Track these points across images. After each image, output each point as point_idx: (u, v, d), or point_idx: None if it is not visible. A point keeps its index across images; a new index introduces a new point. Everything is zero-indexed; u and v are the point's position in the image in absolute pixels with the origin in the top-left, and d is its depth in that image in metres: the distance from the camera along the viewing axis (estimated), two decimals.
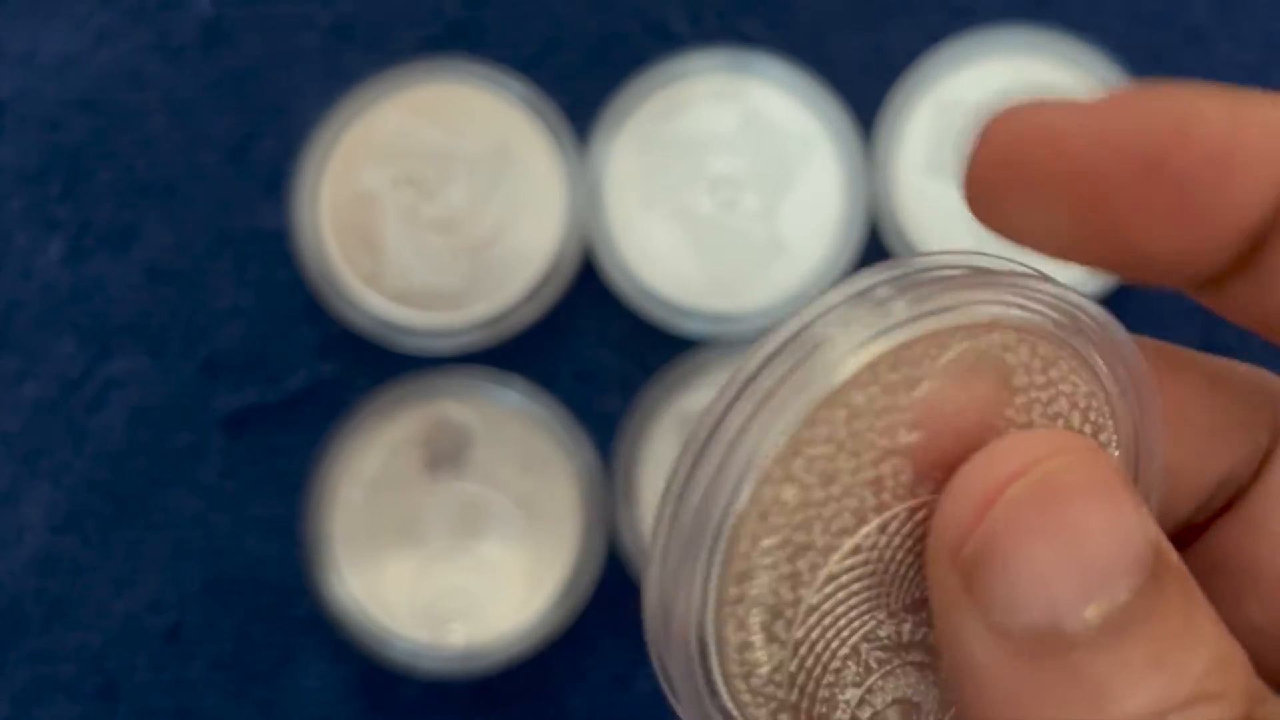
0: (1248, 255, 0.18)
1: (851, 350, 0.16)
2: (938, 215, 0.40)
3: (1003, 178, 0.18)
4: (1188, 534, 0.21)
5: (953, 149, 0.41)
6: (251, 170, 0.41)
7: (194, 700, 0.40)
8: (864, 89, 0.41)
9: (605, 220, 0.40)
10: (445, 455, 0.40)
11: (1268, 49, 0.42)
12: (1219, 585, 0.20)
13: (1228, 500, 0.20)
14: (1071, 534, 0.15)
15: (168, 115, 0.42)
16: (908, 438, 0.16)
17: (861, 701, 0.17)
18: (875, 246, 0.41)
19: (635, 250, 0.40)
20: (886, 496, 0.16)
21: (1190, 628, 0.16)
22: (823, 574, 0.16)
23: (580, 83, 0.41)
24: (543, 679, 0.40)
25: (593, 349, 0.41)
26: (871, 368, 0.16)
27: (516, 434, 0.40)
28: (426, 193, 0.41)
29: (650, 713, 0.40)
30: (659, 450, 0.40)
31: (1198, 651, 0.15)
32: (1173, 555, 0.16)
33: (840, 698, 0.17)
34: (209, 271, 0.41)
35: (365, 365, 0.41)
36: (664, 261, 0.40)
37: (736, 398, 0.17)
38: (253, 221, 0.41)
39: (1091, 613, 0.15)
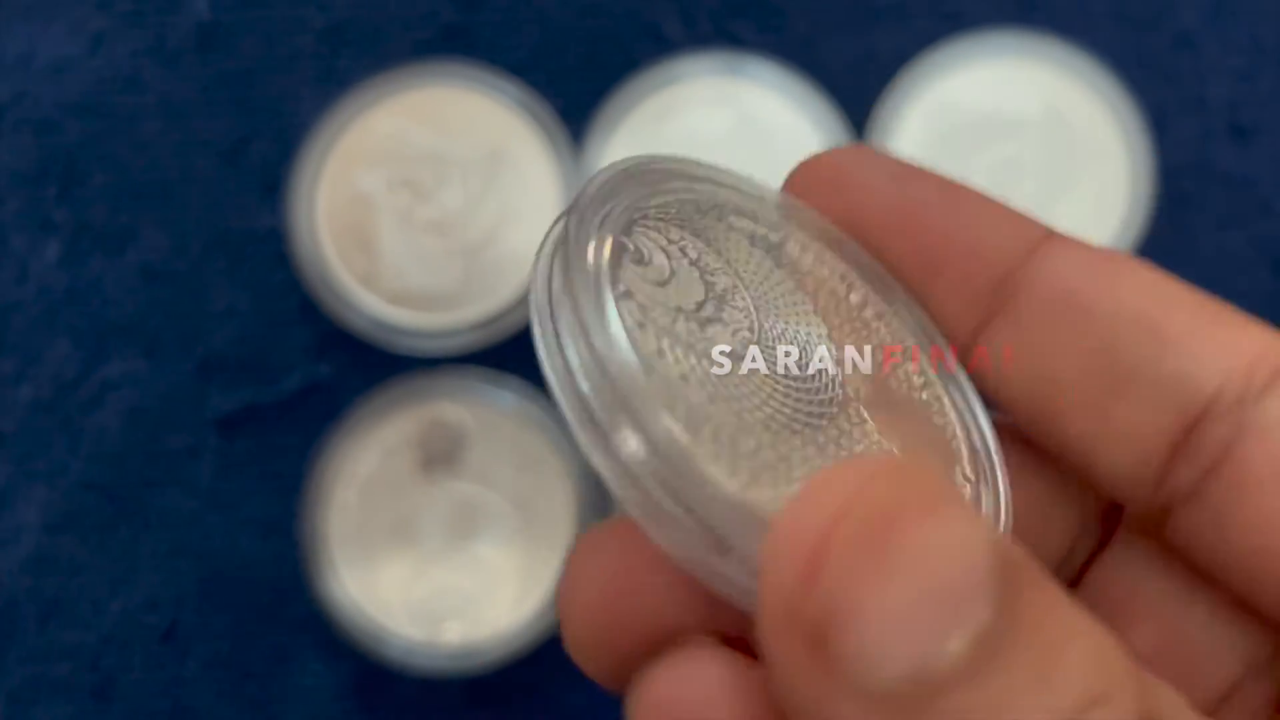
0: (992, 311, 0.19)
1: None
2: None
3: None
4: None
5: (944, 152, 0.41)
6: (247, 172, 0.42)
7: (190, 699, 0.40)
8: (856, 92, 0.42)
9: None
10: (440, 455, 0.40)
11: (1256, 53, 0.42)
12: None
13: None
14: (913, 565, 0.14)
15: (164, 118, 0.42)
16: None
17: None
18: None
19: None
20: None
21: (1061, 627, 0.14)
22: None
23: (574, 86, 0.42)
24: (537, 677, 0.40)
25: None
26: None
27: (511, 434, 0.40)
28: (422, 195, 0.41)
29: None
30: None
31: (1075, 652, 0.14)
32: (1016, 552, 0.14)
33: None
34: (205, 273, 0.41)
35: (361, 366, 0.41)
36: None
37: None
38: (248, 223, 0.42)
39: (955, 644, 0.13)
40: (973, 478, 0.18)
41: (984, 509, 0.18)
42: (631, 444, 0.16)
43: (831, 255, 0.20)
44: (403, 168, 0.41)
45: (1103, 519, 0.21)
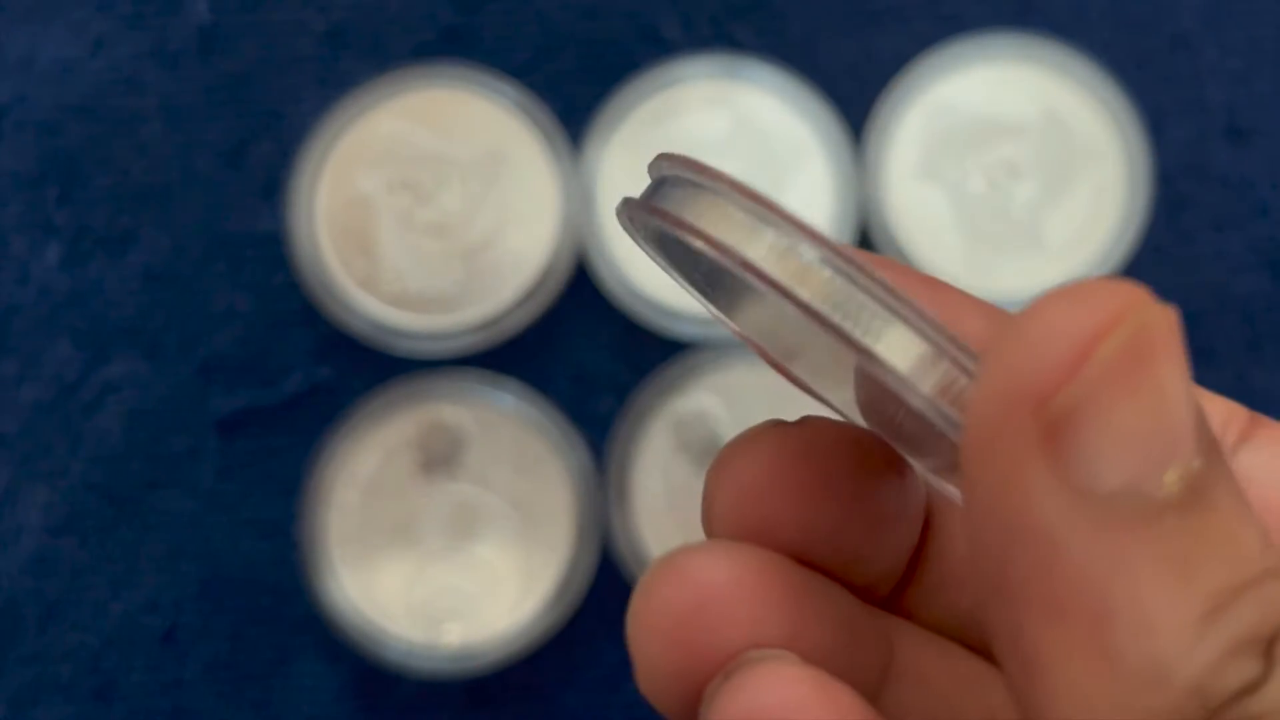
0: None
1: None
2: (927, 219, 0.41)
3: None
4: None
5: (942, 154, 0.41)
6: (247, 175, 0.42)
7: (190, 701, 0.40)
8: (854, 95, 0.42)
9: (598, 224, 0.41)
10: (440, 457, 0.40)
11: (1253, 54, 0.42)
12: (932, 587, 0.21)
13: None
14: (1159, 396, 0.15)
15: (164, 120, 0.42)
16: None
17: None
18: (865, 249, 0.41)
19: (627, 253, 0.41)
20: None
21: (1241, 503, 0.15)
22: None
23: (573, 88, 0.42)
24: (536, 679, 0.40)
25: (586, 352, 0.41)
26: None
27: (510, 436, 0.40)
28: (421, 197, 0.41)
29: (643, 713, 0.40)
30: (652, 451, 0.40)
31: (1253, 526, 0.15)
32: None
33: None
34: (205, 275, 0.41)
35: (360, 368, 0.41)
36: (656, 265, 0.41)
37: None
38: (249, 226, 0.42)
39: (1171, 477, 0.14)
40: None
41: None
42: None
43: None
44: (402, 170, 0.41)
45: None
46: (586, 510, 0.40)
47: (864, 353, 0.16)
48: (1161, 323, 0.15)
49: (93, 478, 0.41)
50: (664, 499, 0.40)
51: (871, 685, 0.19)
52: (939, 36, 0.42)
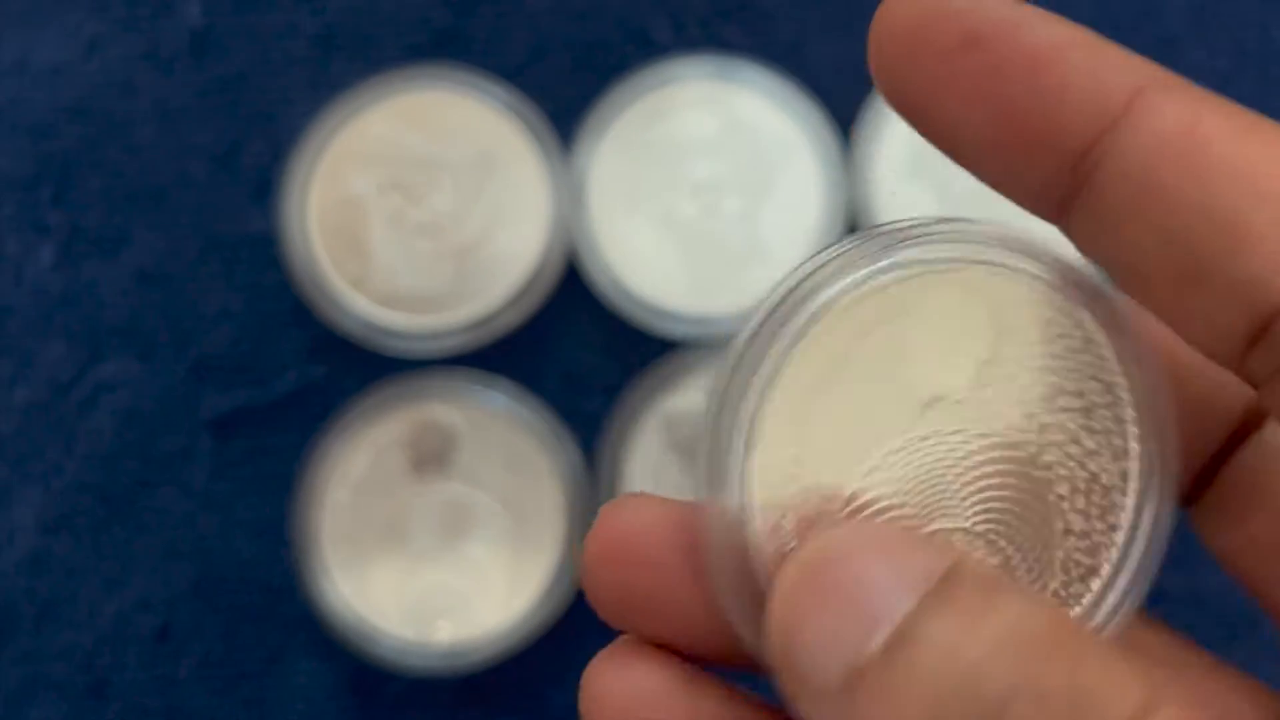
0: (1076, 185, 0.20)
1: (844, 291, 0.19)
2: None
3: (884, 53, 0.20)
4: (1215, 464, 0.22)
5: (931, 154, 0.41)
6: (240, 176, 0.42)
7: (183, 699, 0.40)
8: (843, 95, 0.42)
9: (589, 224, 0.41)
10: (431, 456, 0.40)
11: (1239, 56, 0.42)
12: (1233, 506, 0.21)
13: (1241, 431, 0.22)
14: (843, 591, 0.17)
15: (157, 123, 0.42)
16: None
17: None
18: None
19: (618, 254, 0.41)
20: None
21: (988, 600, 0.17)
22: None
23: (564, 90, 0.42)
24: (528, 676, 0.40)
25: (576, 351, 0.42)
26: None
27: (502, 435, 0.40)
28: (413, 198, 0.41)
29: None
30: (642, 450, 0.40)
31: (997, 615, 0.17)
32: (971, 561, 0.18)
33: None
34: (198, 276, 0.42)
35: (352, 368, 0.41)
36: (647, 265, 0.41)
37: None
38: (241, 227, 0.42)
39: (877, 639, 0.17)
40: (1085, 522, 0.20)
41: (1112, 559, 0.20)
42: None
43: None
44: (394, 171, 0.41)
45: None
46: (577, 509, 0.40)
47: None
48: (836, 543, 0.18)
49: (86, 477, 0.41)
50: None
51: None
52: None
